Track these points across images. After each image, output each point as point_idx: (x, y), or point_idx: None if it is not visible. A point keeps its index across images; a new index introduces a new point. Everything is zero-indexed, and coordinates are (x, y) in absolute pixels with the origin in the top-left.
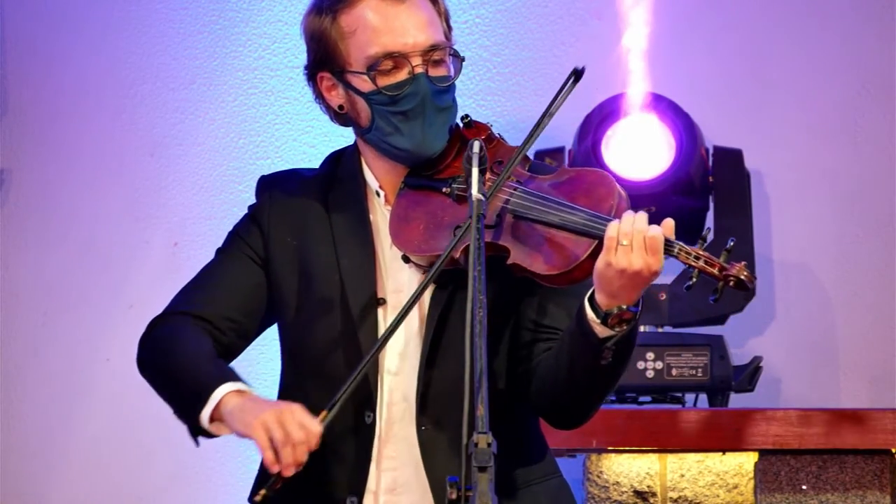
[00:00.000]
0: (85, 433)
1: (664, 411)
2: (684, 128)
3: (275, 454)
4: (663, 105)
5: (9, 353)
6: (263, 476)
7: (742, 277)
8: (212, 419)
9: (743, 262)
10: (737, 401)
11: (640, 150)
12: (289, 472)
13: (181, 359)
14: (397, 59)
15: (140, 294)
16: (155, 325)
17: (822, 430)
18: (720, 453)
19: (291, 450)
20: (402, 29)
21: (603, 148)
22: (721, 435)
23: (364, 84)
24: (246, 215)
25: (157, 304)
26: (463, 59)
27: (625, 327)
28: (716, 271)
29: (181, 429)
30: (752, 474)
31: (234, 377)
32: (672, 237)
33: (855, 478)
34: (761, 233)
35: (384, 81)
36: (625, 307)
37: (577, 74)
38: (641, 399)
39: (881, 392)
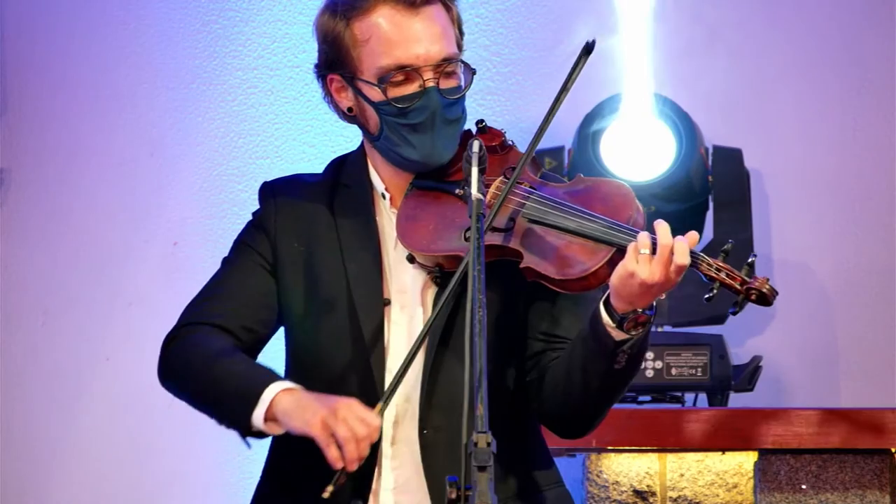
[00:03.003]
0: (85, 433)
1: (664, 411)
2: (684, 128)
3: (338, 450)
4: (663, 105)
5: (9, 353)
6: (265, 486)
7: (764, 290)
8: (265, 419)
9: (766, 277)
10: (736, 400)
11: (639, 150)
12: (353, 467)
13: (218, 364)
14: (409, 72)
15: (140, 293)
16: (173, 338)
17: (821, 429)
18: (720, 453)
19: (355, 445)
20: (415, 41)
21: (602, 148)
22: (721, 434)
23: (374, 94)
24: (250, 223)
25: (157, 302)
26: (474, 72)
27: (640, 330)
28: (737, 284)
29: (181, 428)
30: (751, 474)
31: (279, 377)
32: (695, 248)
33: (855, 477)
34: (761, 233)
35: (394, 93)
36: (640, 311)
37: (589, 49)
38: (641, 398)
39: (881, 392)
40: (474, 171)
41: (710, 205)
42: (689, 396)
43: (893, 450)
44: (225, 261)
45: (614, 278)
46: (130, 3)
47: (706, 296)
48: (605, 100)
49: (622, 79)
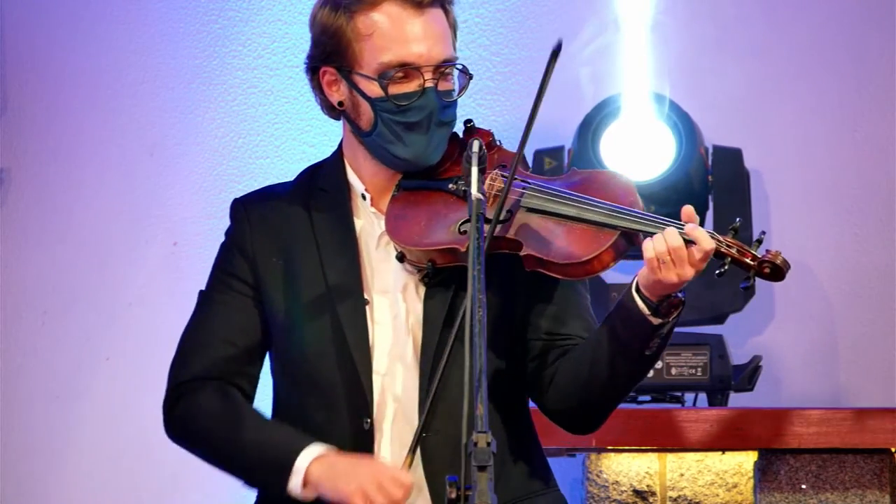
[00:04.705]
0: (85, 433)
1: (663, 410)
2: (684, 128)
3: None
4: (663, 105)
5: (9, 353)
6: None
7: (778, 262)
8: (302, 486)
9: (777, 250)
10: (736, 400)
11: (639, 150)
12: None
13: (236, 431)
14: (409, 70)
15: (140, 293)
16: (173, 404)
17: (821, 429)
18: (720, 452)
19: None
20: (419, 40)
21: (602, 148)
22: (720, 434)
23: (372, 89)
24: (224, 244)
25: (157, 302)
26: (471, 77)
27: (674, 313)
28: (748, 260)
29: None
30: (751, 473)
31: (304, 441)
32: (696, 222)
33: (854, 477)
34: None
35: (394, 90)
36: (672, 295)
37: (555, 53)
38: (641, 398)
39: (881, 392)
40: (474, 170)
41: (710, 205)
42: (689, 396)
43: (893, 450)
44: (204, 297)
45: (642, 280)
46: (130, 2)
47: (717, 271)
48: (605, 100)
49: (622, 79)
